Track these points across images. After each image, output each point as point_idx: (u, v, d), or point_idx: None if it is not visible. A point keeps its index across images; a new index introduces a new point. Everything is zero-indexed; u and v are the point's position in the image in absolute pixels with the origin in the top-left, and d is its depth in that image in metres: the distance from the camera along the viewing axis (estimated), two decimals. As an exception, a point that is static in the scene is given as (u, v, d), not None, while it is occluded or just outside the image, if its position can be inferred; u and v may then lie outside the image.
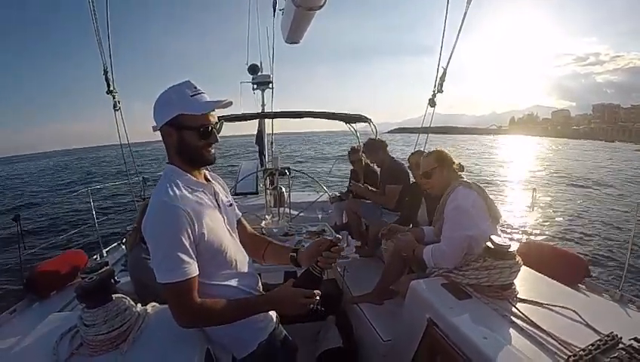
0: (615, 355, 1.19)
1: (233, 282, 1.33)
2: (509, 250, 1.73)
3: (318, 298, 1.25)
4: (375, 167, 4.23)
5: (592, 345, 1.24)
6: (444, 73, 3.81)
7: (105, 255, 3.81)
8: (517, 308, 1.58)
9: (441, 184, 2.30)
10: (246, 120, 5.41)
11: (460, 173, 2.29)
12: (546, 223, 10.84)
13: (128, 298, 1.38)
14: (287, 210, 4.51)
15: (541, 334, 1.37)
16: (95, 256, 3.63)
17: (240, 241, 1.47)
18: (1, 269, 7.25)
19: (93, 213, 4.12)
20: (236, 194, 5.86)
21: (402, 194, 3.62)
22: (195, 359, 1.19)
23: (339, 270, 3.24)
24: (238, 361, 1.37)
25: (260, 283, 1.50)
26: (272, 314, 1.47)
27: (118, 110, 3.71)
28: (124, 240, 4.00)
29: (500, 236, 1.84)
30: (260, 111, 6.99)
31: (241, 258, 1.40)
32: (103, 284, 1.25)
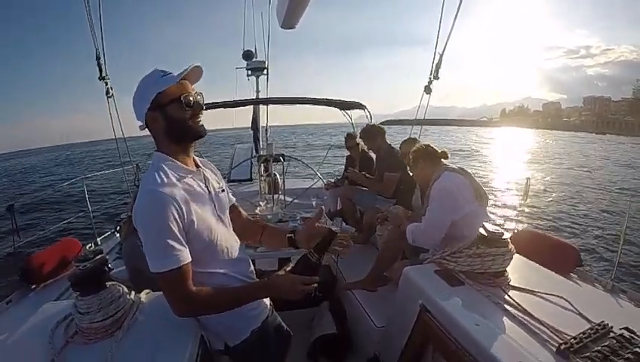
0: (606, 344, 1.21)
1: (226, 269, 1.32)
2: (502, 237, 1.75)
3: (316, 284, 1.25)
4: (371, 153, 4.23)
5: (584, 333, 1.25)
6: (441, 59, 3.80)
7: (99, 243, 3.80)
8: (509, 296, 1.59)
9: (420, 177, 2.39)
10: (241, 106, 5.38)
11: (443, 160, 2.37)
12: (539, 212, 10.92)
13: (123, 285, 1.37)
14: (281, 196, 4.51)
15: (533, 322, 1.39)
16: (89, 245, 3.62)
17: (235, 227, 1.47)
18: (-4, 259, 7.22)
19: (87, 201, 4.10)
20: (230, 181, 5.85)
21: (399, 182, 3.62)
22: (189, 346, 1.20)
23: (333, 257, 3.26)
24: (231, 348, 1.37)
25: (253, 270, 1.50)
26: (266, 301, 1.48)
27: (111, 97, 3.67)
28: (118, 228, 3.99)
29: (489, 217, 1.87)
30: (254, 97, 6.95)
31: (233, 244, 1.40)
32: (96, 272, 1.24)
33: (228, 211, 1.46)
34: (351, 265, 3.14)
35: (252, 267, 1.50)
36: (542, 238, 2.92)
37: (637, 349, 1.17)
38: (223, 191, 1.44)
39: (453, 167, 2.28)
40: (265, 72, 7.24)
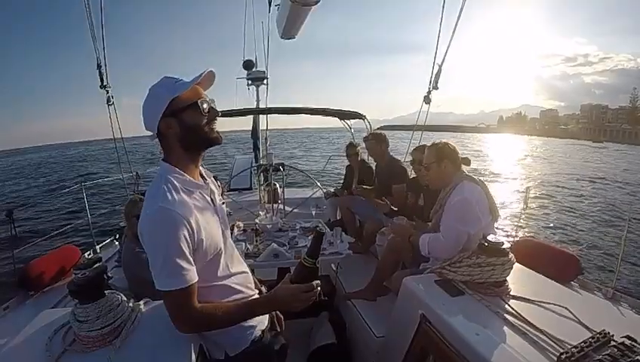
0: (607, 352, 1.20)
1: (229, 282, 1.32)
2: (502, 246, 1.74)
3: (319, 288, 1.23)
4: (371, 161, 4.23)
5: (584, 342, 1.24)
6: (440, 70, 3.83)
7: (98, 251, 3.79)
8: (509, 305, 1.59)
9: (439, 178, 2.31)
10: (243, 115, 5.41)
11: (464, 167, 2.29)
12: (539, 221, 10.92)
13: (121, 294, 1.37)
14: (281, 206, 4.51)
15: (533, 331, 1.38)
16: (88, 252, 3.61)
17: None
18: (-5, 265, 7.18)
19: (87, 208, 4.09)
20: (230, 190, 5.86)
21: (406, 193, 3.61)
22: (189, 355, 1.19)
23: (332, 266, 3.25)
24: (231, 358, 1.36)
25: (252, 280, 1.49)
26: None
27: (111, 105, 3.69)
28: (117, 236, 3.98)
29: (496, 233, 1.85)
30: (254, 106, 6.98)
31: (235, 256, 1.40)
32: (95, 280, 1.24)
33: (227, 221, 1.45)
34: (350, 275, 3.13)
35: (252, 277, 1.50)
36: (542, 247, 2.92)
37: (638, 357, 1.16)
38: (223, 203, 1.43)
39: (474, 177, 2.22)
40: (265, 81, 7.28)
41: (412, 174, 3.62)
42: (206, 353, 1.33)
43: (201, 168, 1.35)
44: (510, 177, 22.54)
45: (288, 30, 3.06)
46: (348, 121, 5.34)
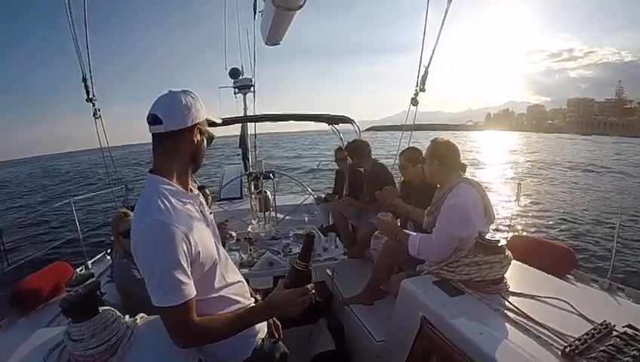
0: (610, 343, 1.21)
1: (225, 292, 1.30)
2: (499, 244, 1.74)
3: (313, 291, 1.24)
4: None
5: (587, 334, 1.25)
6: (426, 72, 3.84)
7: (90, 266, 3.72)
8: (510, 302, 1.59)
9: (429, 174, 2.31)
10: (229, 124, 5.37)
11: (462, 169, 2.26)
12: (532, 216, 10.99)
13: (116, 310, 1.33)
14: (273, 213, 4.48)
15: (535, 326, 1.38)
16: (80, 268, 3.55)
17: None
18: (-16, 285, 7.05)
19: (77, 223, 4.02)
20: (221, 200, 5.80)
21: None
22: None
23: (328, 272, 3.23)
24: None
25: (248, 289, 1.48)
26: None
27: (98, 118, 3.64)
28: (109, 251, 3.92)
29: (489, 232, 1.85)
30: (241, 114, 6.94)
31: (230, 266, 1.39)
32: (88, 297, 1.20)
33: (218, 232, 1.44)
34: (346, 280, 3.11)
35: (247, 286, 1.49)
36: (536, 243, 2.94)
37: (641, 346, 1.16)
38: (210, 213, 1.42)
39: (470, 179, 2.19)
40: (252, 89, 7.21)
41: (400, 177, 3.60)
42: None
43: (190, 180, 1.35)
44: (501, 175, 22.66)
45: (272, 36, 3.06)
46: (337, 126, 5.34)
